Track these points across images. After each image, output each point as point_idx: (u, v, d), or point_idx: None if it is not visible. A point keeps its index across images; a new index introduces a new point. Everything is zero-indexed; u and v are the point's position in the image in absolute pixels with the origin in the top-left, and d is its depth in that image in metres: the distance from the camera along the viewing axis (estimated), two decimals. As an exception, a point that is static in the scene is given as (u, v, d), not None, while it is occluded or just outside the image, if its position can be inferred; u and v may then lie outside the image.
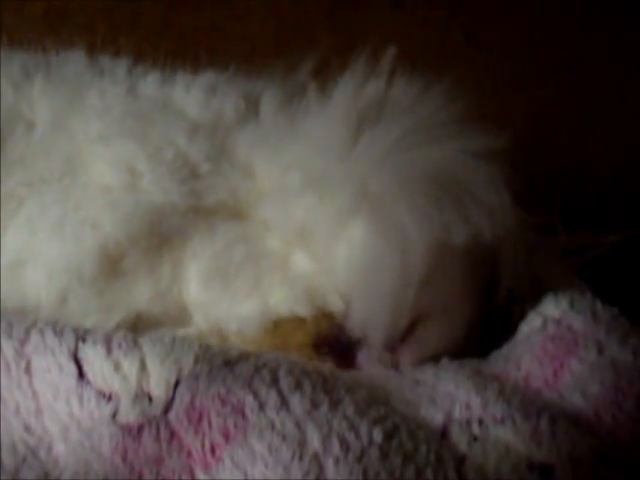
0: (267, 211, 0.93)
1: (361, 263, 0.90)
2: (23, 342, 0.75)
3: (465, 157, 0.90)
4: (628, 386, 0.80)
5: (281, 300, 0.91)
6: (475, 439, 0.74)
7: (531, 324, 0.90)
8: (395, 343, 0.90)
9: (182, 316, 0.92)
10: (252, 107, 0.98)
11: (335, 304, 0.91)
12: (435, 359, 0.89)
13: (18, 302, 0.89)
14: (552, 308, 0.90)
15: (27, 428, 0.72)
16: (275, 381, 0.74)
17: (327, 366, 0.85)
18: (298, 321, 0.91)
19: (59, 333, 0.75)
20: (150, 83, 0.98)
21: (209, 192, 0.93)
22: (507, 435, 0.74)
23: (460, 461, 0.72)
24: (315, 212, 0.91)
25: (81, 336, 0.75)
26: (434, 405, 0.78)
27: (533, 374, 0.83)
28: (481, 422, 0.76)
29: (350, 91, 0.94)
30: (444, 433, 0.75)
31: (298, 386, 0.74)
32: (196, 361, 0.74)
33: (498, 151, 0.90)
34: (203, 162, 0.93)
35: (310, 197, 0.91)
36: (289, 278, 0.92)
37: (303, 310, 0.91)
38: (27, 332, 0.76)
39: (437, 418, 0.76)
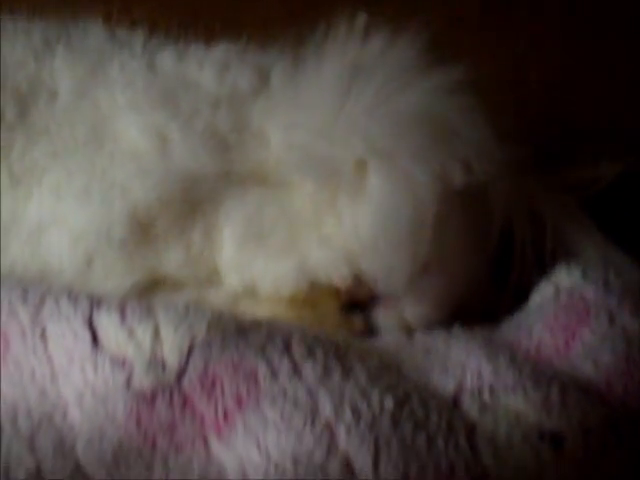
0: (288, 175, 0.94)
1: (377, 213, 0.90)
2: (38, 308, 0.75)
3: (441, 94, 0.91)
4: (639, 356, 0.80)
5: (320, 261, 0.92)
6: (486, 407, 0.75)
7: (543, 293, 0.90)
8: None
9: (212, 279, 0.93)
10: (264, 79, 0.98)
11: (369, 268, 0.91)
12: (439, 312, 0.91)
13: (41, 268, 0.91)
14: (564, 277, 0.90)
15: (42, 394, 0.72)
16: (288, 348, 0.74)
17: (340, 334, 0.85)
18: (332, 289, 0.92)
19: (74, 300, 0.76)
20: (167, 58, 0.99)
21: (238, 161, 0.94)
22: (518, 403, 0.75)
23: (471, 429, 0.73)
24: (331, 172, 0.92)
25: (96, 303, 0.76)
26: (445, 373, 0.78)
27: (544, 343, 0.83)
28: (492, 390, 0.76)
29: (334, 54, 0.95)
30: (455, 401, 0.76)
31: (310, 354, 0.74)
32: (209, 328, 0.74)
33: (470, 83, 0.91)
34: (230, 133, 0.94)
35: (322, 155, 0.92)
36: (326, 240, 0.92)
37: (341, 274, 0.91)
38: (42, 298, 0.76)
39: (448, 386, 0.77)
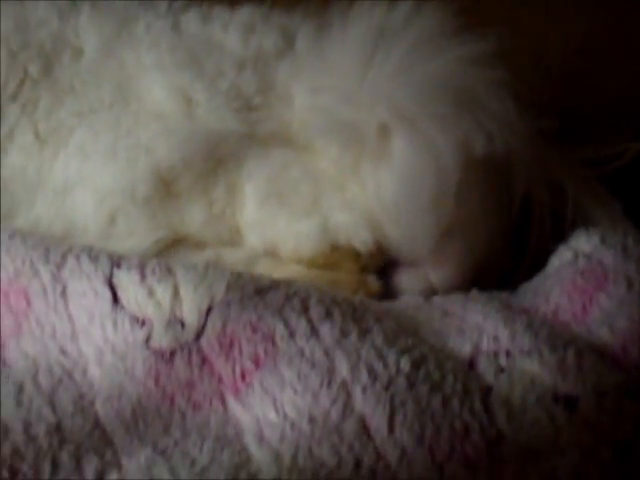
0: (312, 138, 0.95)
1: (401, 179, 0.91)
2: (60, 267, 0.77)
3: (466, 64, 0.91)
4: (656, 321, 0.81)
5: (342, 224, 0.93)
6: (502, 370, 0.75)
7: (562, 257, 0.91)
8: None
9: (234, 238, 0.94)
10: (289, 41, 0.99)
11: (392, 233, 0.92)
12: (462, 276, 0.92)
13: (65, 226, 0.92)
14: (583, 242, 0.90)
15: (63, 351, 0.73)
16: (305, 310, 0.75)
17: (357, 296, 0.86)
18: (352, 252, 0.93)
19: (94, 259, 0.77)
20: (192, 20, 1.00)
21: (262, 122, 0.95)
22: (533, 367, 0.75)
23: (486, 392, 0.73)
24: (355, 136, 0.93)
25: (116, 262, 0.77)
26: (462, 336, 0.79)
27: (562, 307, 0.84)
28: (508, 354, 0.76)
29: (360, 19, 0.95)
30: (471, 364, 0.76)
31: (328, 315, 0.75)
32: (228, 288, 0.75)
33: (496, 55, 0.91)
34: (254, 94, 0.95)
35: (346, 119, 0.93)
36: (349, 203, 0.93)
37: (363, 238, 0.92)
38: (64, 257, 0.77)
39: (465, 349, 0.77)
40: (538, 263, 0.94)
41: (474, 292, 0.88)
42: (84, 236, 0.91)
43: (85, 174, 0.92)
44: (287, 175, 0.94)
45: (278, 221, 0.93)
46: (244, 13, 1.00)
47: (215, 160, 0.93)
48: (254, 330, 0.73)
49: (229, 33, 0.98)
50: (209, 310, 0.74)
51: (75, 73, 0.95)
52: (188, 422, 0.70)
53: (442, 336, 0.79)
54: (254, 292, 0.76)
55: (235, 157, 0.94)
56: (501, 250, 0.97)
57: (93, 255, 0.77)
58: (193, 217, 0.93)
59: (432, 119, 0.89)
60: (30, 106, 0.94)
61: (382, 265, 0.94)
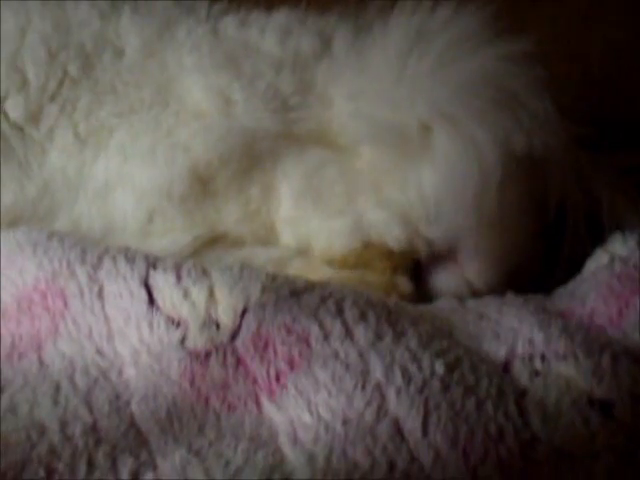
0: (354, 142, 0.96)
1: (443, 176, 0.92)
2: (96, 268, 0.77)
3: (506, 63, 0.92)
4: (693, 325, 0.80)
5: (376, 222, 0.94)
6: (537, 374, 0.75)
7: (598, 261, 0.91)
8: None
9: (269, 236, 0.96)
10: (326, 44, 1.00)
11: (433, 230, 0.93)
12: (498, 274, 0.92)
13: (105, 226, 0.94)
14: (619, 246, 0.91)
15: (99, 351, 0.74)
16: (340, 312, 0.76)
17: (392, 298, 0.86)
18: (385, 251, 0.94)
19: (131, 260, 0.78)
20: (230, 24, 1.01)
21: (299, 122, 0.96)
22: (569, 371, 0.75)
23: (521, 395, 0.73)
24: (397, 138, 0.93)
25: (152, 263, 0.78)
26: (497, 340, 0.79)
27: (598, 311, 0.84)
28: (543, 358, 0.76)
29: (402, 21, 0.96)
30: (506, 367, 0.76)
31: (363, 317, 0.75)
32: (263, 290, 0.76)
33: (534, 55, 0.92)
34: (292, 95, 0.97)
35: (388, 122, 0.94)
36: (384, 201, 0.94)
37: (396, 235, 0.93)
38: (100, 258, 0.78)
39: (500, 352, 0.77)
40: (574, 267, 0.93)
41: (509, 295, 0.88)
42: (123, 235, 0.93)
43: (125, 174, 0.94)
44: (323, 174, 0.95)
45: (312, 219, 0.94)
46: (281, 16, 1.02)
47: (252, 158, 0.95)
48: (289, 332, 0.73)
49: (266, 36, 1.00)
50: (244, 311, 0.75)
51: (116, 73, 0.97)
52: (223, 423, 0.70)
53: (477, 339, 0.79)
54: (289, 294, 0.76)
55: (271, 155, 0.95)
56: (535, 252, 0.97)
57: (129, 256, 0.78)
58: (230, 215, 0.95)
59: (472, 116, 0.90)
60: (69, 106, 0.95)
61: (414, 267, 0.95)
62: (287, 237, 0.95)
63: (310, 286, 0.78)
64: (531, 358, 0.76)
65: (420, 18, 0.96)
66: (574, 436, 0.72)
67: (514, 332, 0.79)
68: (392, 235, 0.93)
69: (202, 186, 0.94)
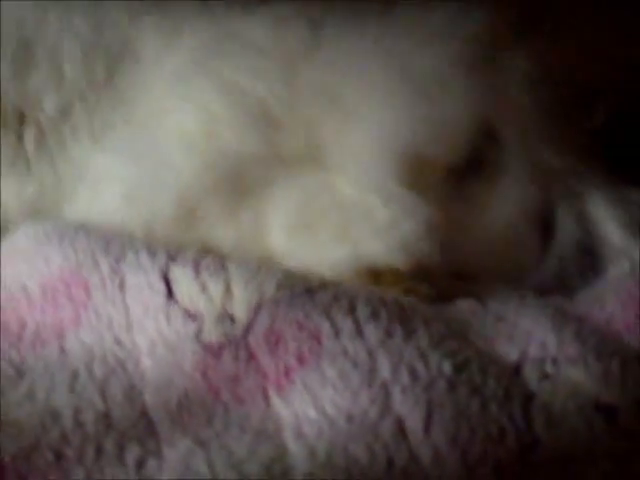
0: (336, 157, 0.94)
1: None
2: (119, 260, 0.81)
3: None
4: None
5: (375, 252, 0.91)
6: (546, 377, 0.76)
7: (620, 267, 0.91)
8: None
9: (270, 261, 0.93)
10: (316, 37, 0.97)
11: (432, 251, 0.91)
12: None
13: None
14: (640, 252, 0.91)
15: (118, 342, 0.77)
16: (352, 310, 0.77)
17: (407, 298, 0.86)
18: (396, 273, 0.92)
19: (152, 253, 0.81)
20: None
21: (288, 143, 0.94)
22: (578, 375, 0.76)
23: (528, 398, 0.74)
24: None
25: (172, 257, 0.81)
26: (511, 342, 0.80)
27: (616, 317, 0.84)
28: (555, 361, 0.77)
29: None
30: (517, 370, 0.77)
31: (374, 315, 0.77)
32: (278, 287, 0.78)
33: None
34: (280, 108, 0.94)
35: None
36: (379, 229, 0.92)
37: (402, 260, 0.91)
38: (123, 250, 0.81)
39: (512, 355, 0.78)
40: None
41: (530, 296, 0.88)
42: None
43: (114, 176, 0.94)
44: (315, 204, 0.93)
45: (309, 250, 0.92)
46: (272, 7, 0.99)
47: (240, 184, 0.93)
48: (300, 328, 0.76)
49: (257, 27, 0.97)
50: (259, 307, 0.77)
51: (131, 82, 0.97)
52: (231, 415, 0.73)
53: (492, 341, 0.80)
54: (304, 291, 0.79)
55: (260, 182, 0.93)
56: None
57: (151, 249, 0.81)
58: (222, 241, 0.92)
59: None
60: (92, 107, 0.97)
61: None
62: (288, 263, 0.92)
63: (324, 284, 0.80)
64: (542, 361, 0.77)
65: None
66: (576, 440, 0.73)
67: (528, 335, 0.80)
68: (397, 261, 0.91)
69: (190, 212, 0.92)
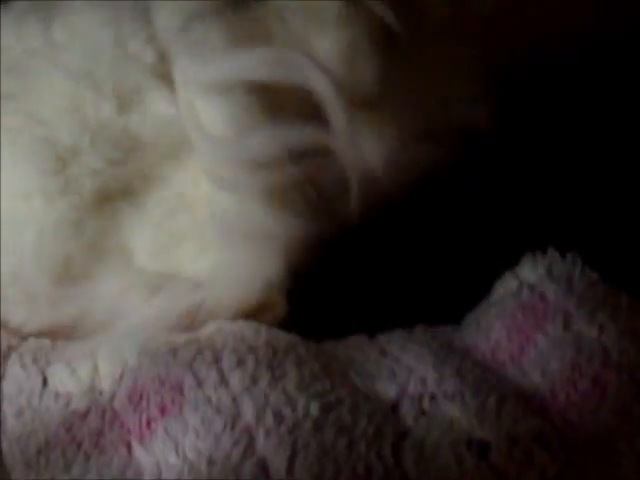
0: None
1: None
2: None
3: None
4: (586, 364, 0.78)
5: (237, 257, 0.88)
6: (423, 414, 0.76)
7: (506, 285, 0.90)
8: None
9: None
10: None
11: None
12: None
13: None
14: (528, 272, 0.90)
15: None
16: (217, 360, 0.79)
17: (290, 337, 0.85)
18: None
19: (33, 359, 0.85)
20: None
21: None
22: (454, 411, 0.75)
23: (401, 436, 0.74)
24: None
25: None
26: (392, 378, 0.80)
27: (501, 347, 0.83)
28: (433, 397, 0.77)
29: None
30: (395, 407, 0.77)
31: (240, 363, 0.78)
32: (140, 355, 0.81)
33: None
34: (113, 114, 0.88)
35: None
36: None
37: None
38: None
39: (391, 391, 0.78)
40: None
41: (419, 329, 0.88)
42: None
43: None
44: (173, 225, 0.88)
45: (175, 265, 0.89)
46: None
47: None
48: (162, 383, 0.78)
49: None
50: (122, 375, 0.81)
51: None
52: (91, 462, 0.75)
53: (372, 378, 0.80)
54: (167, 352, 0.81)
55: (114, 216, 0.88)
56: None
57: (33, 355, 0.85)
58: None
59: None
60: None
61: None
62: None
63: (189, 341, 0.82)
64: (421, 397, 0.77)
65: None
66: (446, 476, 0.72)
67: (409, 371, 0.80)
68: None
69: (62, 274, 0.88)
